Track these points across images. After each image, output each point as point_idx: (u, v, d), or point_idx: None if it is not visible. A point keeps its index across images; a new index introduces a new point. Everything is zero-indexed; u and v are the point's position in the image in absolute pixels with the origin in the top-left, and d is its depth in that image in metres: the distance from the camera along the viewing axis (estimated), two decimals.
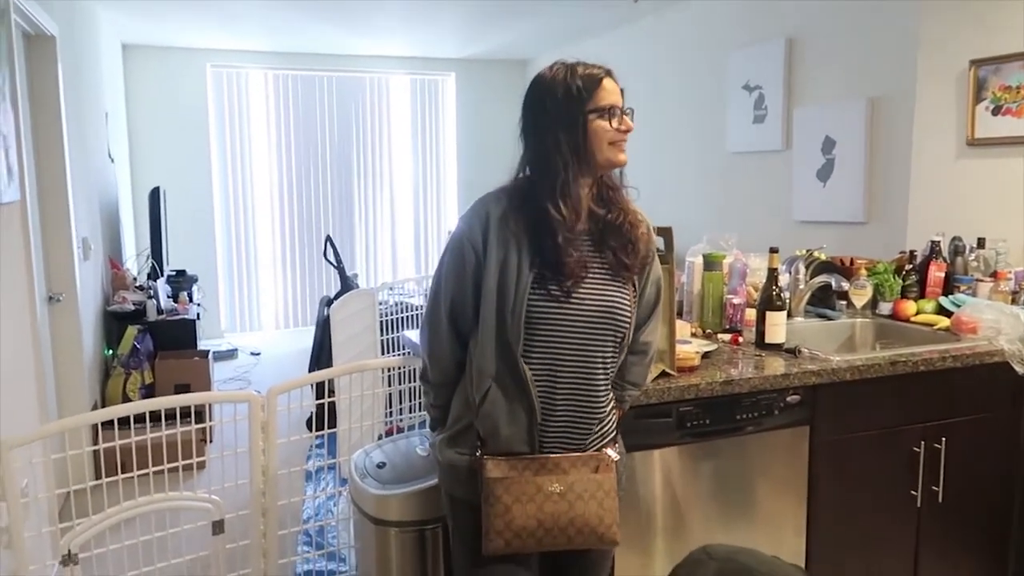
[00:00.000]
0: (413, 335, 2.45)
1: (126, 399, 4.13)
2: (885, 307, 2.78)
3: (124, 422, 2.06)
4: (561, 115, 1.52)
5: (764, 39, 4.51)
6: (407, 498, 1.92)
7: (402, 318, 4.31)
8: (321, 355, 4.50)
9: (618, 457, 1.60)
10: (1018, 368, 2.29)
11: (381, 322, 4.11)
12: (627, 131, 1.55)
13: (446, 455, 1.62)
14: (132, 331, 4.31)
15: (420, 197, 7.83)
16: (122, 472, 2.10)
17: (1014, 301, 2.69)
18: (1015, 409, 2.40)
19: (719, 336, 2.42)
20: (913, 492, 2.28)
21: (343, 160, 7.44)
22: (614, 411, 1.66)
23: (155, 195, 5.35)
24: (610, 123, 1.53)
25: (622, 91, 1.59)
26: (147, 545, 2.15)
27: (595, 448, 1.59)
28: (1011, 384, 2.35)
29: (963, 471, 2.34)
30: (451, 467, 1.61)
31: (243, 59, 6.92)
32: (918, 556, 2.34)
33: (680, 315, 2.55)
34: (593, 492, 1.53)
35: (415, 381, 3.00)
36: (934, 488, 2.30)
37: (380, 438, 2.33)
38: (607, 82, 1.54)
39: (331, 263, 5.09)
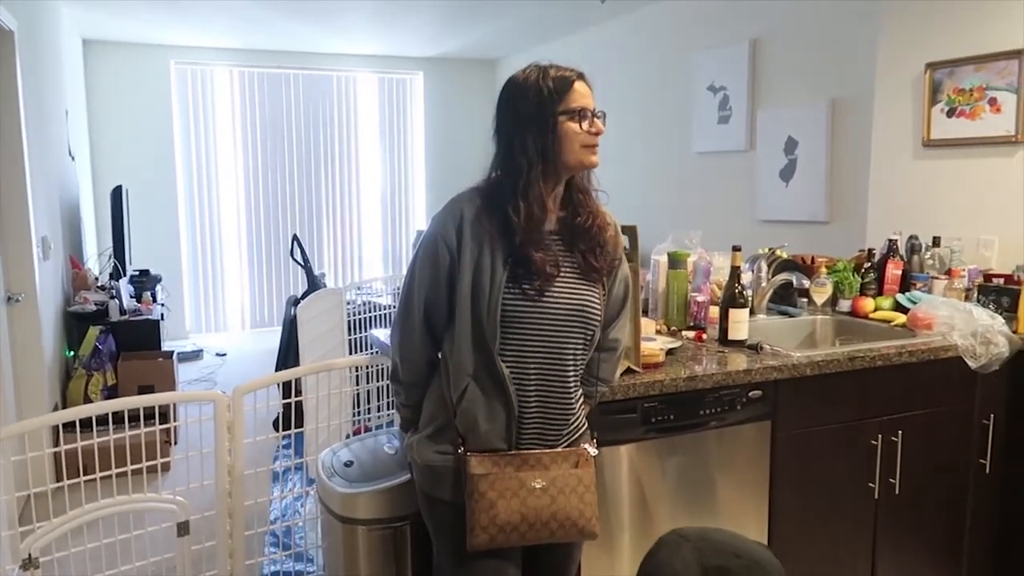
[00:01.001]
0: (381, 334, 2.45)
1: (88, 401, 4.06)
2: (845, 304, 2.85)
3: (86, 424, 2.03)
4: (531, 116, 1.53)
5: (729, 41, 4.58)
6: (375, 496, 1.92)
7: (370, 318, 4.30)
8: (288, 355, 4.47)
9: (596, 452, 1.63)
10: (971, 363, 2.36)
11: (349, 322, 4.10)
12: (597, 133, 1.56)
13: (424, 456, 1.62)
14: (94, 332, 4.24)
15: (388, 196, 7.80)
16: (84, 474, 2.07)
17: (967, 298, 2.76)
18: (968, 402, 2.48)
19: (683, 333, 2.46)
20: (871, 484, 2.34)
21: (310, 159, 7.38)
22: (584, 406, 1.68)
23: (117, 194, 5.27)
24: (580, 125, 1.54)
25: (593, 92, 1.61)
26: (111, 548, 2.12)
27: (569, 443, 1.61)
28: (964, 378, 2.42)
29: (919, 463, 2.41)
30: (429, 468, 1.61)
31: (208, 56, 6.84)
32: (876, 546, 2.40)
33: (645, 312, 2.58)
34: (574, 487, 1.56)
35: (383, 380, 3.00)
36: (891, 480, 2.36)
37: (348, 437, 2.32)
38: (579, 85, 1.55)
39: (298, 262, 5.05)
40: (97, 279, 4.97)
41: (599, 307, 1.60)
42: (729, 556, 1.04)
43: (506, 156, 1.56)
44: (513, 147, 1.54)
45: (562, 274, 1.57)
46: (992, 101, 3.07)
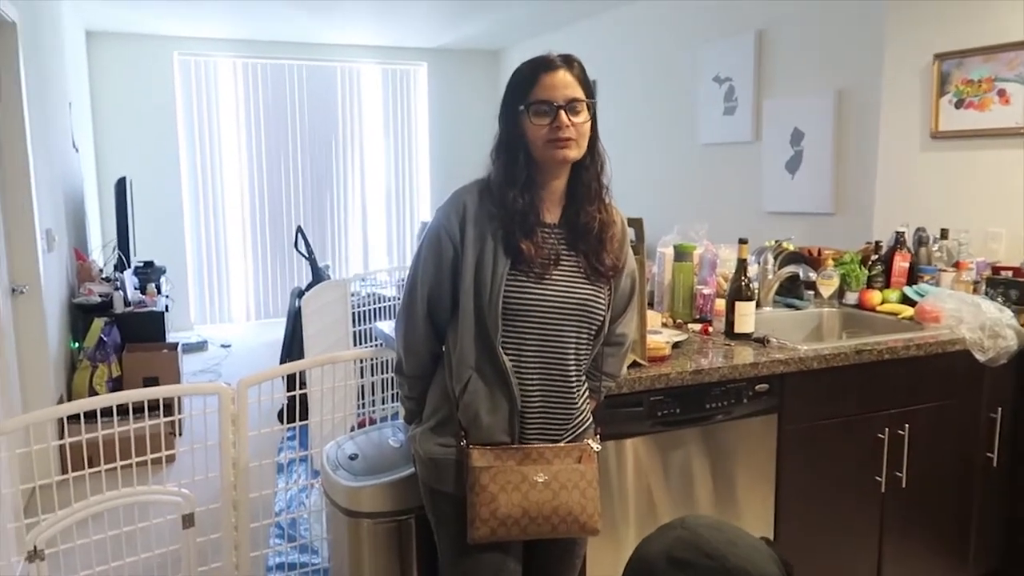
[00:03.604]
0: (386, 326, 2.44)
1: (93, 392, 4.07)
2: (851, 297, 2.83)
3: (91, 416, 2.03)
4: (505, 109, 1.54)
5: (734, 31, 4.55)
6: (379, 489, 1.92)
7: (374, 309, 4.29)
8: (292, 347, 4.47)
9: (599, 448, 1.62)
10: (979, 356, 2.35)
11: (353, 313, 4.09)
12: (559, 128, 1.47)
13: (427, 448, 1.61)
14: (99, 323, 4.24)
15: (392, 188, 7.78)
16: (89, 467, 2.07)
17: (975, 291, 2.75)
18: (975, 396, 2.46)
19: (689, 326, 2.45)
20: (877, 478, 2.33)
21: (314, 150, 7.37)
22: (589, 401, 1.67)
23: (121, 185, 5.26)
24: (531, 120, 1.48)
25: (593, 83, 1.58)
26: (115, 540, 2.12)
27: (573, 437, 1.60)
28: (972, 371, 2.41)
29: (926, 457, 2.40)
30: (432, 461, 1.61)
31: (211, 47, 6.82)
32: (882, 540, 2.39)
33: (651, 305, 2.57)
34: (576, 482, 1.55)
35: (387, 373, 2.99)
36: (897, 474, 2.35)
37: (352, 430, 2.32)
38: (547, 77, 1.48)
39: (302, 254, 5.05)
40: (101, 271, 4.97)
41: (603, 304, 1.59)
42: (701, 554, 1.01)
43: (495, 147, 1.57)
44: (497, 138, 1.56)
45: (563, 268, 1.55)
46: (1001, 92, 3.05)
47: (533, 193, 1.55)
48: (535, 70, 1.50)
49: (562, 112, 1.48)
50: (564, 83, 1.49)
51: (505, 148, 1.53)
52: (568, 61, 1.52)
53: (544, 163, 1.53)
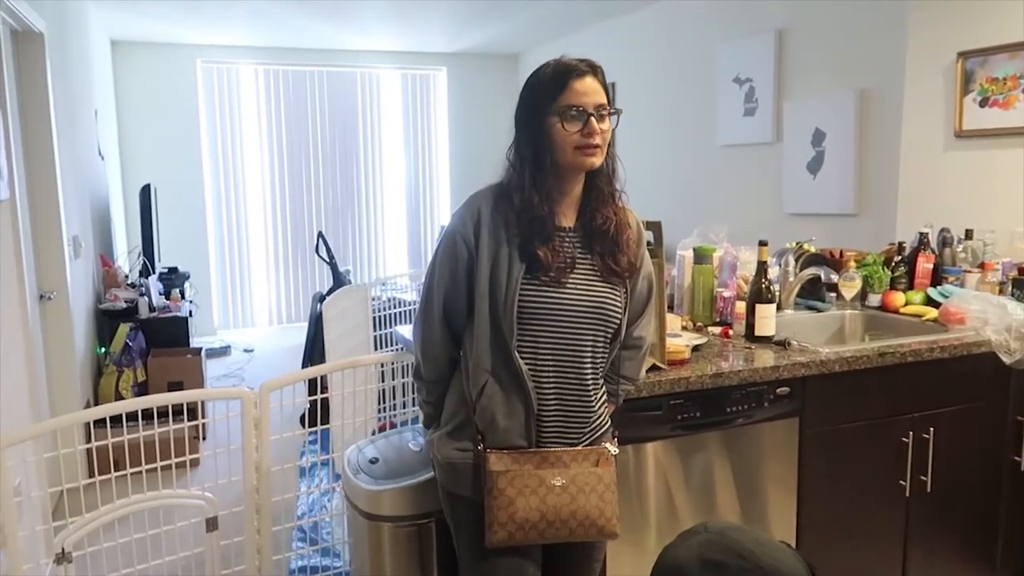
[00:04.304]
0: (406, 331, 2.46)
1: (119, 397, 4.13)
2: (874, 299, 2.80)
3: (117, 420, 2.06)
4: (529, 113, 1.53)
5: (754, 31, 4.52)
6: (400, 493, 1.93)
7: (395, 314, 4.31)
8: (314, 351, 4.50)
9: (617, 451, 1.62)
10: (1005, 358, 2.31)
11: (374, 318, 4.11)
12: (590, 135, 1.49)
13: (444, 452, 1.62)
14: (124, 329, 4.30)
15: (413, 192, 7.82)
16: (115, 470, 2.10)
17: (1001, 292, 2.71)
18: (1002, 398, 2.43)
19: (709, 329, 2.43)
20: (902, 482, 2.30)
21: (335, 156, 7.42)
22: (607, 405, 1.67)
23: (146, 192, 5.34)
24: (564, 127, 1.49)
25: (612, 87, 1.58)
26: (141, 543, 2.15)
27: (591, 441, 1.60)
28: (998, 374, 2.37)
29: (951, 460, 2.37)
30: (449, 465, 1.61)
31: (233, 55, 6.90)
32: (907, 545, 2.36)
33: (670, 308, 2.57)
34: (594, 486, 1.55)
35: (408, 377, 3.01)
36: (922, 478, 2.32)
37: (373, 434, 2.33)
38: (579, 82, 1.49)
39: (323, 259, 5.08)
40: (127, 277, 5.05)
41: (619, 306, 1.59)
42: (733, 555, 1.03)
43: (512, 152, 1.57)
44: (517, 143, 1.55)
45: (580, 271, 1.56)
46: None
47: (552, 198, 1.55)
48: (565, 75, 1.50)
49: (592, 119, 1.49)
50: (593, 89, 1.50)
51: (532, 153, 1.52)
52: (593, 67, 1.53)
53: (568, 169, 1.54)
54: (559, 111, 1.49)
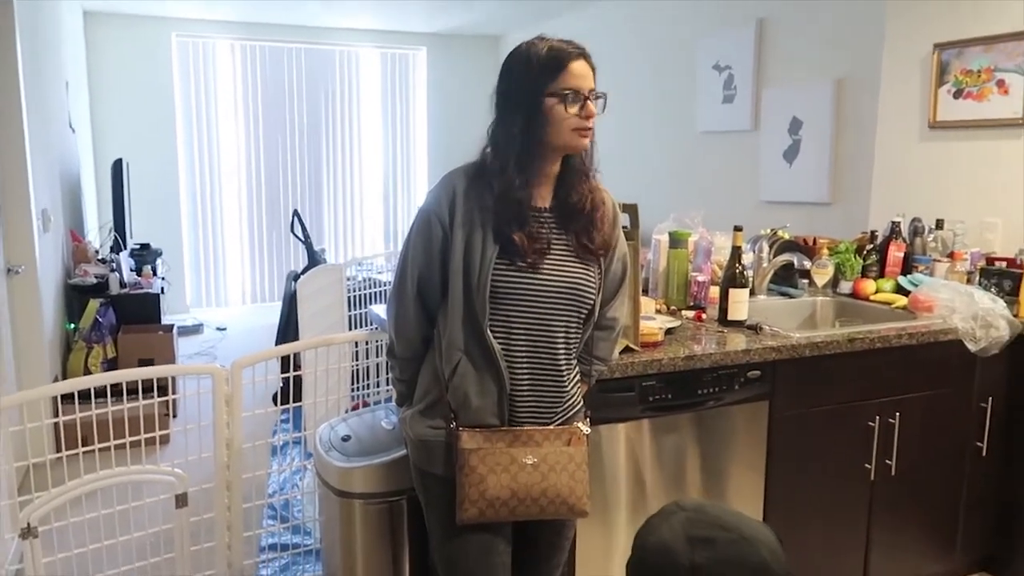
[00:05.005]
0: (381, 310, 2.45)
1: (88, 373, 4.07)
2: (845, 286, 2.84)
3: (86, 396, 2.03)
4: (520, 93, 1.50)
5: (735, 20, 4.53)
6: (372, 471, 1.93)
7: (370, 294, 4.30)
8: (288, 330, 4.47)
9: (589, 431, 1.63)
10: (971, 346, 2.36)
11: (349, 298, 4.09)
12: (588, 117, 1.51)
13: (417, 430, 1.62)
14: (94, 305, 4.24)
15: (389, 172, 7.77)
16: (84, 446, 2.08)
17: (969, 281, 2.75)
18: (967, 385, 2.48)
19: (683, 313, 2.45)
20: (867, 465, 2.35)
21: (312, 134, 7.34)
22: (579, 385, 1.68)
23: (118, 167, 5.25)
24: (567, 109, 1.49)
25: (593, 71, 1.57)
26: (109, 519, 2.14)
27: (563, 421, 1.61)
28: (963, 361, 2.42)
29: (916, 445, 2.42)
30: (422, 442, 1.62)
31: (209, 29, 6.78)
32: (871, 527, 2.41)
33: (645, 292, 2.58)
34: (565, 464, 1.56)
35: (382, 356, 3.00)
36: (887, 461, 2.37)
37: (346, 413, 2.33)
38: (575, 65, 1.49)
39: (298, 238, 5.04)
40: (98, 252, 4.97)
41: (593, 286, 1.59)
42: (717, 528, 1.05)
43: (496, 132, 1.54)
44: (505, 124, 1.52)
45: (554, 252, 1.56)
46: (1000, 83, 3.04)
47: (532, 180, 1.55)
48: (564, 57, 1.49)
49: (589, 101, 1.50)
50: (587, 72, 1.51)
51: (523, 133, 1.49)
52: (585, 51, 1.53)
53: (558, 150, 1.54)
54: (559, 92, 1.48)
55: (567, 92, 1.49)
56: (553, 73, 1.49)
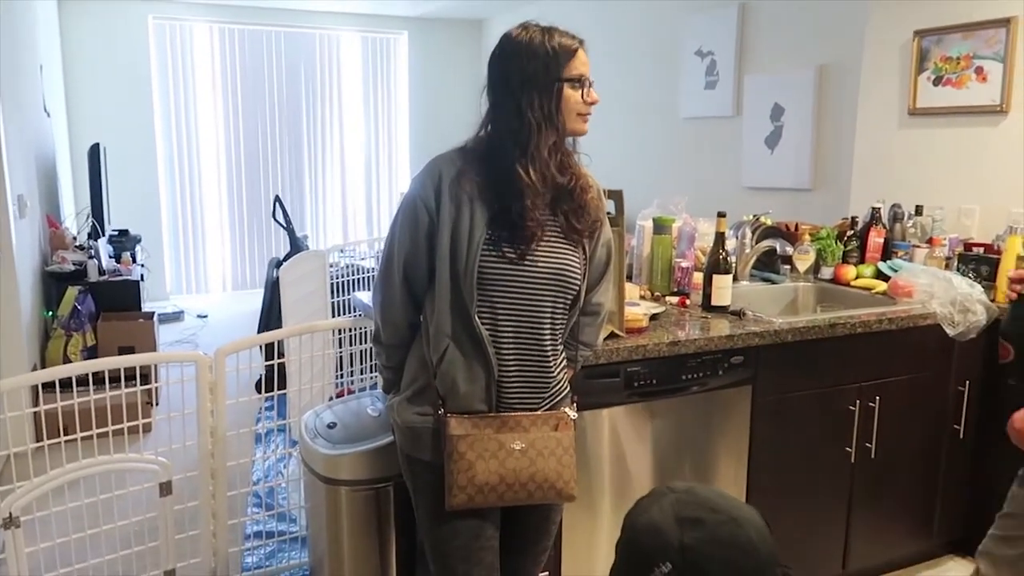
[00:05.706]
0: (365, 297, 2.44)
1: (67, 361, 4.03)
2: (827, 271, 2.87)
3: (66, 384, 2.01)
4: (538, 78, 1.51)
5: (717, 5, 4.53)
6: (358, 457, 1.93)
7: (353, 280, 4.28)
8: (270, 317, 4.45)
9: (576, 416, 1.64)
10: (949, 330, 2.39)
11: (332, 284, 4.07)
12: (593, 103, 1.57)
13: (405, 417, 1.62)
14: (73, 292, 4.19)
15: (372, 158, 7.71)
16: (65, 435, 2.06)
17: (947, 267, 2.79)
18: (945, 369, 2.52)
19: (667, 299, 2.46)
20: (848, 448, 2.38)
21: (292, 119, 7.27)
22: (566, 370, 1.69)
23: (95, 152, 5.17)
24: (582, 94, 1.55)
25: None
26: (92, 508, 2.12)
27: (550, 406, 1.62)
28: (942, 346, 2.46)
29: (895, 428, 2.45)
30: (410, 429, 1.62)
31: (187, 11, 6.68)
32: (851, 510, 2.45)
33: (629, 278, 2.59)
34: (553, 449, 1.57)
35: (366, 343, 3.00)
36: (867, 445, 2.40)
37: (330, 399, 2.32)
38: (581, 53, 1.55)
39: (280, 224, 5.00)
40: (75, 238, 4.90)
41: (579, 271, 1.60)
42: (707, 510, 1.07)
43: (509, 116, 1.53)
44: (521, 108, 1.51)
45: (544, 235, 1.56)
46: (979, 70, 3.07)
47: (546, 164, 1.55)
48: (572, 45, 1.54)
49: (590, 88, 1.57)
50: (587, 60, 1.58)
51: (543, 117, 1.52)
52: (583, 40, 1.58)
53: (563, 134, 1.57)
54: (572, 78, 1.53)
55: (577, 78, 1.54)
56: (567, 59, 1.53)
